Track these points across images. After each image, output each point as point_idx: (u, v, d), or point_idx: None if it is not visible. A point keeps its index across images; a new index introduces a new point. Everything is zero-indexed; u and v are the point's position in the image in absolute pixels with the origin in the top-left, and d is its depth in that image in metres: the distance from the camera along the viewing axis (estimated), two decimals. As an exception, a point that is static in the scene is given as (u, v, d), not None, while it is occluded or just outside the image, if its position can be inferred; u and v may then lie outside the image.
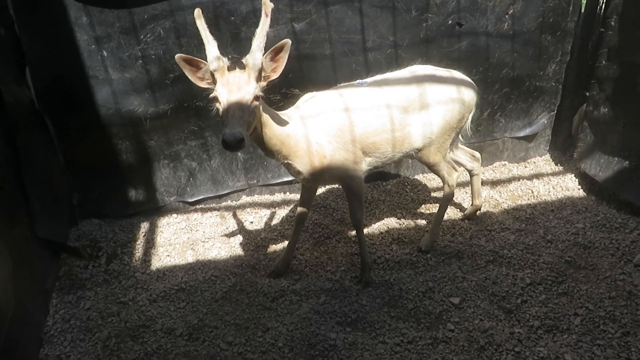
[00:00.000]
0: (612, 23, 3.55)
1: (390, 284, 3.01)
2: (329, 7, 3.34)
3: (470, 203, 3.65)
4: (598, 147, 3.78)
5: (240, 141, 2.09)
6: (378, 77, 2.97)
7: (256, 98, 2.24)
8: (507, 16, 3.69)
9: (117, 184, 3.58)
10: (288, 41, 2.24)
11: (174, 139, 3.52)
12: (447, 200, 3.32)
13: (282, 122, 2.54)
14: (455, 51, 3.70)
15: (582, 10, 3.90)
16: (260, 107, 2.35)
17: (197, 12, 2.27)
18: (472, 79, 3.73)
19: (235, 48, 3.29)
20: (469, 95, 3.03)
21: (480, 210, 3.64)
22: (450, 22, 3.59)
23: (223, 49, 3.16)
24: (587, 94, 3.90)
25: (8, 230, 2.44)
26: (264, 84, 2.32)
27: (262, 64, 2.25)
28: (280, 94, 3.51)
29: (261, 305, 2.88)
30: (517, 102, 4.07)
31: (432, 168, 3.18)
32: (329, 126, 2.66)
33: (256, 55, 2.23)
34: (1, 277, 2.27)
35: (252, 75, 2.24)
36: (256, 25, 3.16)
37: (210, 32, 2.30)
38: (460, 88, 2.98)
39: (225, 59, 2.25)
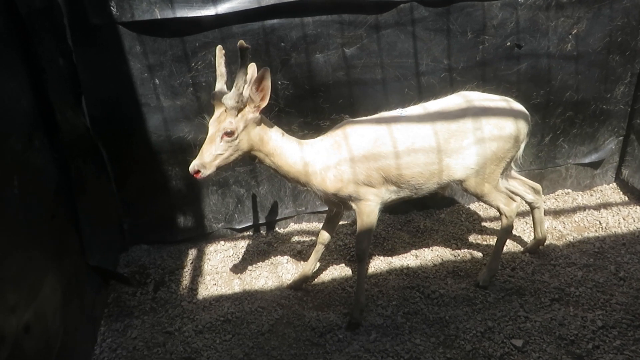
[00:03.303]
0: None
1: (446, 322, 2.82)
2: (381, 31, 3.25)
3: (532, 236, 3.41)
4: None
5: (194, 172, 2.41)
6: (421, 106, 2.83)
7: (228, 134, 2.40)
8: (570, 36, 3.49)
9: (167, 210, 3.59)
10: (267, 69, 2.35)
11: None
12: (506, 233, 3.08)
13: (294, 151, 2.62)
14: (514, 74, 3.51)
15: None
16: (256, 138, 2.51)
17: (219, 49, 2.43)
18: (532, 103, 3.58)
19: (285, 74, 3.25)
20: (519, 125, 2.80)
21: (543, 244, 3.39)
22: (508, 43, 3.42)
23: (273, 75, 3.18)
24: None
25: (59, 259, 2.44)
26: (254, 115, 2.45)
27: (246, 98, 2.39)
28: (330, 119, 3.44)
29: (309, 341, 2.76)
30: (581, 127, 3.82)
31: (482, 199, 2.98)
32: (352, 152, 2.64)
33: (229, 99, 2.37)
34: (50, 308, 2.27)
35: (226, 114, 2.41)
36: (306, 51, 3.21)
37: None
38: (508, 118, 2.77)
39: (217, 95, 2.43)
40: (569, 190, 4.08)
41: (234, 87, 2.36)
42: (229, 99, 2.37)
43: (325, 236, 3.13)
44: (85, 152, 3.06)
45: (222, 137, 2.41)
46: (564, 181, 4.06)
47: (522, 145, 2.93)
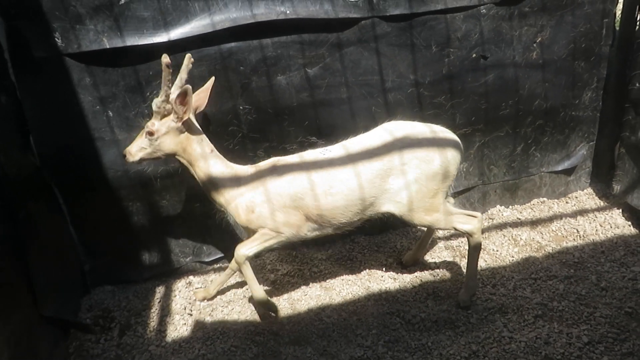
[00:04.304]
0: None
1: (429, 349, 2.70)
2: (343, 49, 3.15)
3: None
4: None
5: (123, 154, 2.72)
6: (343, 144, 2.78)
7: (149, 133, 2.64)
8: (535, 45, 3.45)
9: (130, 247, 3.39)
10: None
11: (187, 196, 3.32)
12: (475, 250, 2.96)
13: (216, 170, 2.76)
14: (482, 85, 3.45)
15: (617, 32, 3.63)
16: (178, 145, 2.71)
17: (164, 58, 2.43)
18: (502, 113, 3.53)
19: (246, 99, 3.12)
20: (449, 155, 2.72)
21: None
22: (474, 55, 3.36)
23: (234, 100, 3.05)
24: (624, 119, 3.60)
25: (6, 316, 2.23)
26: (175, 124, 2.65)
27: (169, 107, 2.59)
28: (297, 142, 3.31)
29: (286, 380, 2.60)
30: (552, 134, 3.78)
31: (435, 228, 2.94)
32: (268, 188, 2.74)
33: (153, 103, 2.60)
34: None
35: (154, 117, 2.65)
36: (267, 74, 3.08)
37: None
38: (436, 149, 2.70)
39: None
40: (544, 199, 4.03)
41: (158, 99, 2.59)
42: (153, 103, 2.61)
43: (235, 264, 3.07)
44: (36, 193, 2.86)
45: (145, 135, 2.65)
46: (538, 190, 4.01)
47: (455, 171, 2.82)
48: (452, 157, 2.73)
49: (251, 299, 2.99)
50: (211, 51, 2.96)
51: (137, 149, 2.68)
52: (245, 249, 2.82)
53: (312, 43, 3.09)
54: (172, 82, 2.59)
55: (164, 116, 2.64)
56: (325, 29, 3.08)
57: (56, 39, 2.76)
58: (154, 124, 2.64)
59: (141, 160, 2.72)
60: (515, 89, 3.52)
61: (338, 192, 2.68)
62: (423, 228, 3.59)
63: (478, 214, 2.94)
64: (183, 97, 2.55)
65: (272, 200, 2.73)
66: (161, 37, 2.84)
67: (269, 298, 2.97)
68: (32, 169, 2.84)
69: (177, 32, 2.86)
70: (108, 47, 2.80)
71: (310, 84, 3.18)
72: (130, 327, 3.08)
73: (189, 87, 2.52)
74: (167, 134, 2.66)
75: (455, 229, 2.89)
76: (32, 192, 2.80)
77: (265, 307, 2.96)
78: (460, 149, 2.80)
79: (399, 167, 2.66)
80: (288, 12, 2.96)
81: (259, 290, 2.93)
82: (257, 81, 3.09)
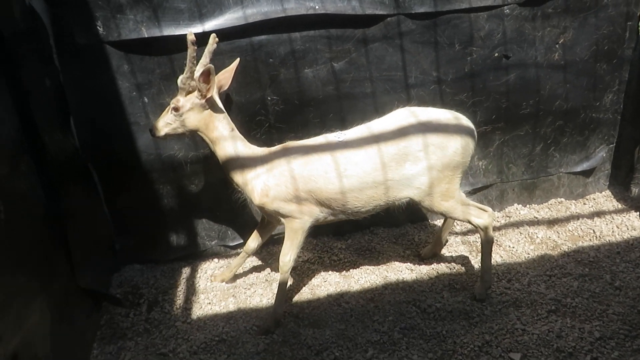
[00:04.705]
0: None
1: (443, 337, 2.79)
2: (369, 45, 3.26)
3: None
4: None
5: (150, 130, 2.85)
6: (364, 126, 2.84)
7: (174, 109, 2.75)
8: (557, 46, 3.51)
9: (159, 229, 3.55)
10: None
11: (215, 182, 3.47)
12: (488, 244, 3.03)
13: (236, 149, 2.83)
14: (503, 84, 3.52)
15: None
16: (202, 122, 2.80)
17: (189, 36, 2.52)
18: (522, 113, 3.60)
19: (274, 90, 3.24)
20: (465, 141, 2.78)
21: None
22: (496, 54, 3.43)
23: (262, 91, 3.17)
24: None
25: (48, 284, 2.40)
26: (199, 101, 2.74)
27: (194, 84, 2.69)
28: (321, 134, 3.40)
29: (305, 359, 2.72)
30: (572, 135, 3.83)
31: (449, 217, 3.00)
32: (282, 170, 2.78)
33: (179, 80, 2.71)
34: (39, 335, 2.22)
35: (179, 93, 2.75)
36: (295, 66, 3.20)
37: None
38: (453, 134, 2.76)
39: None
40: (562, 199, 4.07)
41: (183, 75, 2.68)
42: (179, 80, 2.71)
43: (250, 247, 3.26)
44: (74, 173, 3.02)
45: (171, 110, 2.76)
46: (556, 190, 4.05)
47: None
48: (467, 143, 2.81)
49: (274, 311, 2.99)
50: (242, 43, 3.10)
51: (163, 125, 2.79)
52: (287, 257, 2.91)
53: (339, 38, 3.20)
54: (198, 60, 2.68)
55: (188, 93, 2.73)
56: (352, 24, 3.19)
57: (98, 27, 2.92)
58: (179, 100, 2.74)
59: (166, 135, 2.82)
60: (536, 89, 3.58)
61: (353, 176, 2.72)
62: (439, 224, 3.68)
63: (489, 208, 3.02)
64: (206, 75, 2.64)
65: (286, 183, 2.77)
66: (196, 28, 2.98)
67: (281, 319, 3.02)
68: (71, 150, 3.00)
69: (211, 24, 3.00)
70: (146, 36, 2.95)
71: (336, 78, 3.29)
72: (158, 304, 3.23)
73: (211, 66, 2.62)
74: (191, 110, 2.75)
75: (469, 222, 2.97)
76: (71, 172, 2.96)
77: (274, 323, 2.95)
78: (475, 136, 2.87)
79: (416, 152, 2.71)
80: (317, 7, 3.08)
81: (282, 306, 3.01)
82: (285, 73, 3.22)
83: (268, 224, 3.21)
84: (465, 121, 2.86)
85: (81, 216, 2.97)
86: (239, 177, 2.87)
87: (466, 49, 3.38)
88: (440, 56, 3.38)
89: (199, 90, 2.70)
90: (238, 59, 2.96)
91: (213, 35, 2.75)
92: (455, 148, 2.76)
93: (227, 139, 2.83)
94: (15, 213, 2.17)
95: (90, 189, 3.21)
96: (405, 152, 2.71)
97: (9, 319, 1.98)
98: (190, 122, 2.79)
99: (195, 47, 2.55)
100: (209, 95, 2.72)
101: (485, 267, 3.07)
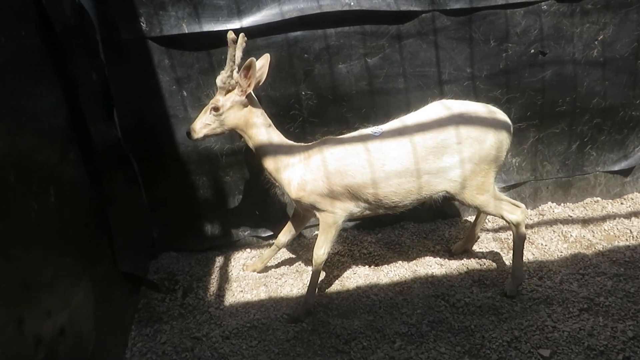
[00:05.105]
0: None
1: (471, 331, 2.81)
2: (403, 41, 3.28)
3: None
4: None
5: (187, 133, 2.85)
6: (399, 120, 2.85)
7: (214, 109, 2.77)
8: (596, 42, 3.45)
9: (195, 218, 3.67)
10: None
11: (249, 174, 3.57)
12: (520, 240, 3.02)
13: (274, 144, 2.87)
14: (539, 81, 3.49)
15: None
16: (241, 119, 2.83)
17: (229, 35, 2.57)
18: (558, 110, 3.56)
19: (308, 85, 3.31)
20: (501, 136, 2.78)
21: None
22: (532, 51, 3.41)
23: (296, 86, 3.24)
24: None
25: (92, 266, 2.53)
26: (240, 98, 2.77)
27: (234, 82, 2.71)
28: (354, 128, 3.45)
29: (334, 348, 2.78)
30: (610, 134, 3.77)
31: (483, 211, 2.99)
32: (319, 165, 2.81)
33: (218, 79, 2.74)
34: (83, 313, 2.35)
35: (218, 93, 2.79)
36: (329, 62, 3.26)
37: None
38: (490, 128, 2.74)
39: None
40: (598, 199, 4.00)
41: (222, 74, 2.72)
42: (218, 79, 2.74)
43: (281, 241, 3.32)
44: (116, 163, 3.16)
45: (210, 111, 2.79)
46: (592, 189, 3.99)
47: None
48: (504, 137, 2.80)
49: (304, 302, 3.06)
50: (278, 39, 3.18)
51: (201, 126, 2.81)
52: (321, 251, 2.96)
53: (373, 34, 3.24)
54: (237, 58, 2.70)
55: (228, 92, 2.76)
56: (387, 20, 3.22)
57: (141, 23, 3.05)
58: (218, 100, 2.77)
59: (205, 136, 2.85)
60: (573, 86, 3.54)
61: (391, 170, 2.73)
62: (471, 220, 3.68)
63: (522, 205, 3.01)
64: (247, 70, 2.65)
65: (323, 178, 2.80)
66: (234, 24, 3.08)
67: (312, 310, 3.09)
68: (114, 140, 3.13)
69: (249, 20, 3.09)
70: (187, 32, 3.06)
71: (370, 73, 3.34)
72: (192, 290, 3.36)
73: (253, 59, 2.62)
74: (232, 108, 2.78)
75: (502, 218, 2.97)
76: (114, 161, 3.10)
77: (304, 313, 3.02)
78: (511, 130, 2.86)
79: (453, 145, 2.72)
80: (352, 3, 3.13)
81: (313, 297, 3.08)
82: (319, 68, 3.28)
83: (302, 218, 3.27)
84: (501, 115, 2.85)
85: (122, 204, 3.11)
86: (272, 164, 2.90)
87: (501, 46, 3.37)
88: (474, 52, 3.38)
89: (240, 87, 2.73)
90: (267, 55, 2.93)
91: (242, 34, 2.73)
92: (492, 141, 2.76)
93: (265, 134, 2.87)
94: (63, 198, 2.30)
95: (131, 178, 3.35)
96: (443, 145, 2.72)
97: (57, 296, 2.11)
98: (230, 121, 2.82)
99: (236, 46, 2.62)
100: (249, 91, 2.76)
101: (516, 264, 3.06)
